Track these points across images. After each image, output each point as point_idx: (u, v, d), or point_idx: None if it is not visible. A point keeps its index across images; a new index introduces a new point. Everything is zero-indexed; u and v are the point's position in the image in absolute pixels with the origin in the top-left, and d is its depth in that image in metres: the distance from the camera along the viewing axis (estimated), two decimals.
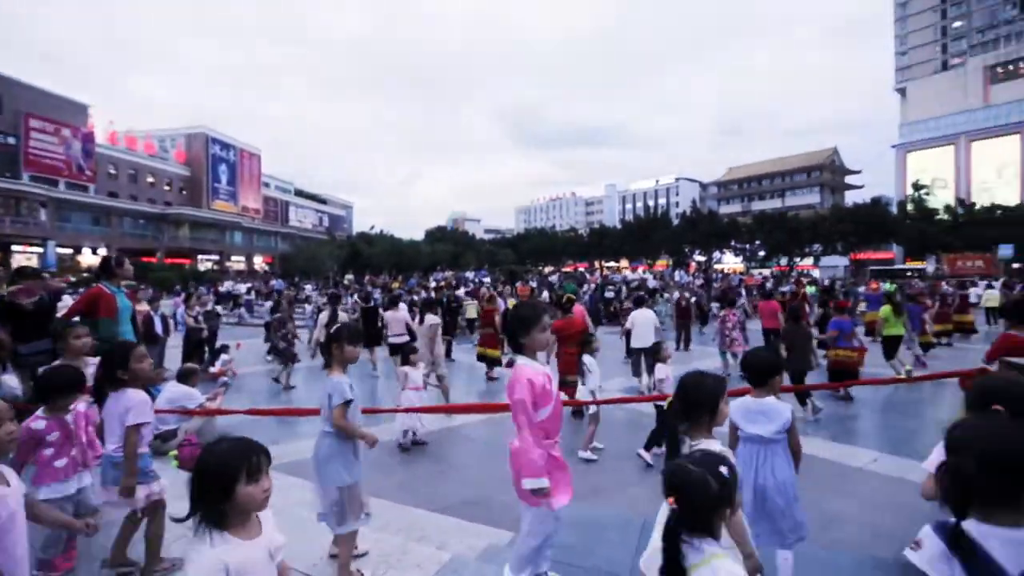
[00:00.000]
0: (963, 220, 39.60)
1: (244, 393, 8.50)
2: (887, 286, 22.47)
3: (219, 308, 20.74)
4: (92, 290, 4.90)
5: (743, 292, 18.33)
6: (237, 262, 54.46)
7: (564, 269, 49.32)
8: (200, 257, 50.14)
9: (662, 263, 52.59)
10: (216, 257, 52.23)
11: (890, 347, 8.68)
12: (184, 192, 53.65)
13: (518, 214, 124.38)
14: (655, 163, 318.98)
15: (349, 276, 34.12)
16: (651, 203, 78.24)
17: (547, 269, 49.94)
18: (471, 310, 13.98)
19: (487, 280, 24.19)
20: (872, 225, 41.33)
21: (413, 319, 8.98)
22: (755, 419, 2.63)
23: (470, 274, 32.54)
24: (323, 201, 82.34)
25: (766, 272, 41.95)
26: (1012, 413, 1.89)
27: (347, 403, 2.72)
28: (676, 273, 37.95)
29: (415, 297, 13.90)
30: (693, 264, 50.50)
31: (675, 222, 52.79)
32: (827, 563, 3.06)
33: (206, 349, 9.70)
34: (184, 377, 5.29)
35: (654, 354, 5.75)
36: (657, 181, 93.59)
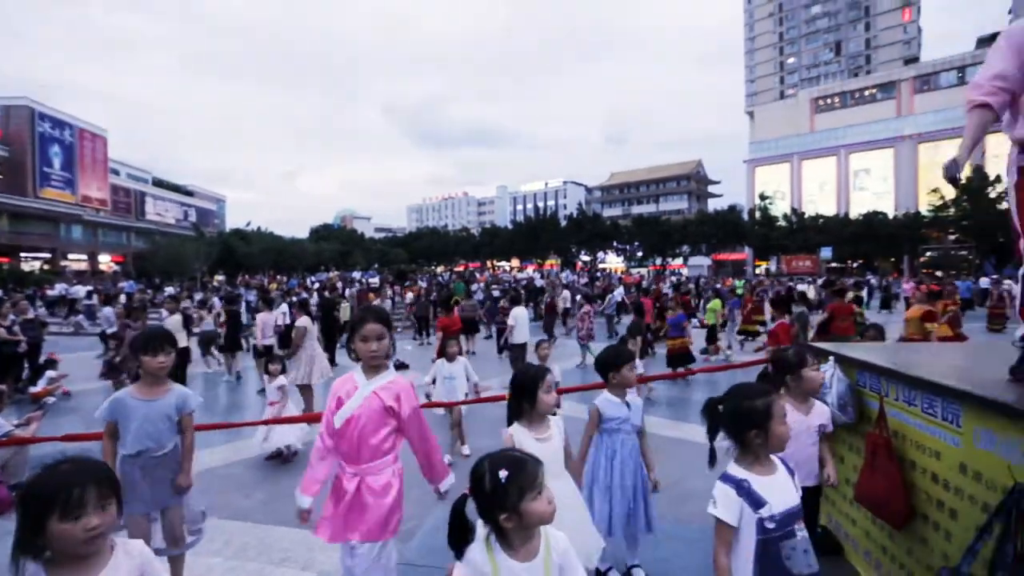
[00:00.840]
0: (796, 227, 46.52)
1: (79, 415, 7.30)
2: (738, 284, 25.72)
3: (48, 316, 17.62)
4: None
5: (620, 290, 19.59)
6: (77, 261, 46.61)
7: (456, 268, 49.34)
8: (24, 255, 42.12)
9: (551, 262, 54.82)
10: (47, 255, 44.24)
11: (711, 333, 10.70)
12: (1, 176, 44.62)
13: (410, 213, 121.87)
14: (545, 166, 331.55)
15: (220, 277, 30.86)
16: (540, 205, 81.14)
17: (439, 269, 49.60)
18: (345, 312, 13.30)
19: (375, 280, 23.33)
20: (728, 230, 47.06)
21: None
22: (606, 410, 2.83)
23: (357, 274, 31.15)
24: (189, 193, 73.57)
25: (643, 271, 45.65)
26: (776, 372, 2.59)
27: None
28: (563, 272, 39.81)
29: (293, 299, 12.95)
30: (580, 263, 53.35)
31: (563, 223, 55.30)
32: (675, 536, 3.38)
33: (25, 365, 8.17)
34: None
35: (535, 350, 5.87)
36: (546, 184, 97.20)
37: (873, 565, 2.73)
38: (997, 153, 46.06)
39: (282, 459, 5.20)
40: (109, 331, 8.25)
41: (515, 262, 59.33)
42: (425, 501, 4.36)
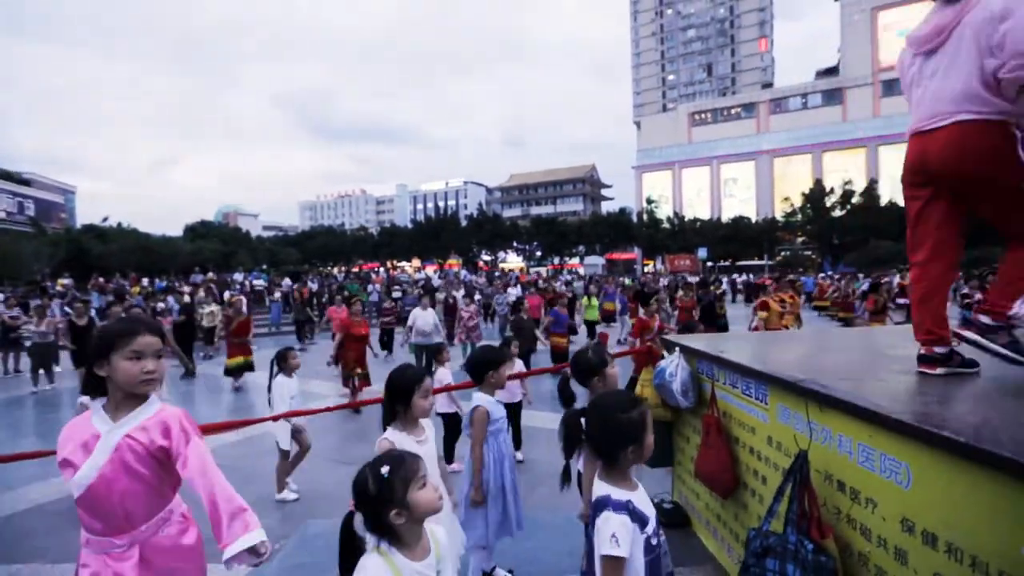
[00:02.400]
0: (678, 229, 50.99)
1: None
2: (627, 282, 27.57)
3: None
4: None
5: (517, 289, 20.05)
6: None
7: (354, 269, 47.33)
8: None
9: (453, 262, 54.69)
10: None
11: (591, 329, 11.62)
12: None
13: (303, 210, 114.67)
14: (445, 166, 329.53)
15: (66, 280, 26.60)
16: (441, 204, 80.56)
17: (335, 269, 47.24)
18: (208, 318, 12.20)
19: (260, 282, 21.62)
20: (619, 231, 50.31)
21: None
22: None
23: (239, 275, 28.58)
24: (26, 182, 62.50)
25: (541, 270, 47.18)
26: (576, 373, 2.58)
27: None
28: (463, 272, 39.91)
29: (159, 304, 11.58)
30: (481, 263, 53.83)
31: (464, 223, 55.41)
32: (531, 521, 3.55)
33: None
34: None
35: (435, 355, 5.66)
36: (447, 183, 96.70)
37: (711, 533, 3.09)
38: (834, 168, 54.26)
39: None
40: None
41: (415, 262, 58.33)
42: (304, 512, 4.30)
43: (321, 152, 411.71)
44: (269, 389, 4.50)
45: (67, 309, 10.24)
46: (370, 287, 20.00)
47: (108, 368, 1.58)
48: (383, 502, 1.35)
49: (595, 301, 11.78)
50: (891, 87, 55.89)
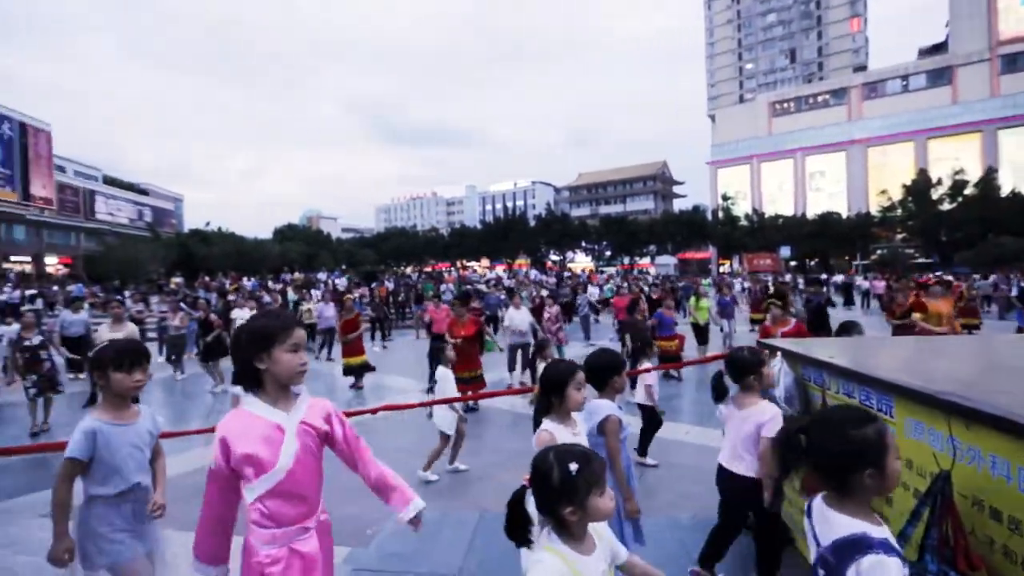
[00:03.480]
0: (757, 226, 48.14)
1: (11, 426, 6.93)
2: (704, 282, 26.42)
3: None
4: None
5: (588, 289, 19.79)
6: (20, 263, 44.03)
7: (426, 269, 48.95)
8: None
9: (521, 262, 55.06)
10: None
11: (698, 333, 10.54)
12: None
13: (379, 213, 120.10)
14: (513, 166, 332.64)
15: (178, 279, 29.67)
16: (509, 204, 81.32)
17: (408, 269, 49.10)
18: (307, 316, 12.93)
19: (341, 282, 22.90)
20: (693, 229, 48.30)
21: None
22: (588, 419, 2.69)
23: (322, 275, 30.49)
24: (144, 192, 70.48)
25: (611, 270, 46.35)
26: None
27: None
28: (532, 272, 40.04)
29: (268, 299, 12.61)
30: (549, 263, 53.77)
31: (532, 223, 55.58)
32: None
33: None
34: None
35: (539, 351, 5.59)
36: (515, 184, 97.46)
37: None
38: (941, 156, 48.89)
39: None
40: (31, 342, 6.68)
41: (484, 262, 59.27)
42: (379, 503, 4.41)
43: (394, 156, 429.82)
44: (431, 379, 4.99)
45: (183, 306, 11.36)
46: (443, 287, 20.59)
47: (268, 361, 1.63)
48: (562, 497, 1.36)
49: (704, 302, 10.76)
50: (1014, 62, 49.44)
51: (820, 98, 62.37)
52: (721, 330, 11.81)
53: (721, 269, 53.47)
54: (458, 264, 56.71)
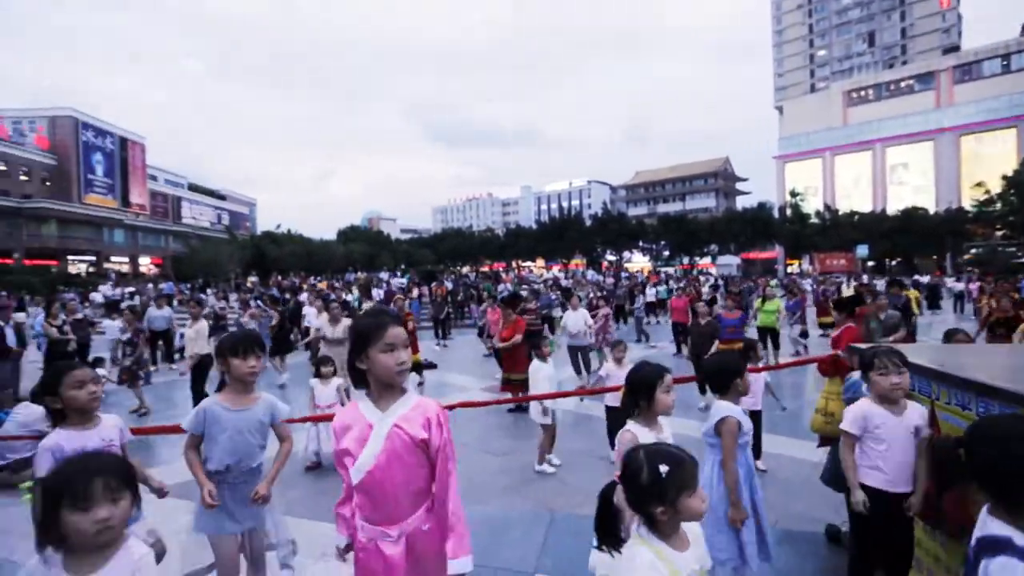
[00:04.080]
0: (830, 224, 45.16)
1: (122, 410, 7.62)
2: (771, 283, 25.08)
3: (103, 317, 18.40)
4: None
5: (653, 290, 19.24)
6: (119, 264, 48.62)
7: (482, 269, 49.57)
8: (71, 258, 44.15)
9: (577, 262, 54.58)
10: (92, 258, 46.27)
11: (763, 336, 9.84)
12: (49, 183, 46.84)
13: (435, 214, 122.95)
14: (568, 165, 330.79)
15: (253, 278, 31.73)
16: (564, 204, 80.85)
17: (465, 269, 49.92)
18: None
19: (402, 282, 23.61)
20: (758, 228, 45.98)
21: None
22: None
23: (384, 274, 31.62)
24: (222, 197, 76.01)
25: (670, 270, 45.04)
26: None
27: (187, 432, 2.28)
28: (589, 272, 39.60)
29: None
30: (606, 263, 52.97)
31: (588, 223, 54.98)
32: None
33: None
34: (38, 396, 4.61)
35: (612, 351, 5.50)
36: (570, 183, 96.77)
37: (926, 575, 2.65)
38: None
39: (321, 468, 5.08)
40: (123, 337, 7.78)
41: (540, 262, 59.27)
42: (465, 498, 4.49)
43: (450, 158, 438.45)
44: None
45: (259, 302, 12.13)
46: (500, 287, 20.77)
47: (367, 361, 1.65)
48: (652, 497, 1.39)
49: (773, 304, 9.91)
50: None
51: (903, 84, 57.64)
52: (790, 335, 11.19)
53: (789, 269, 50.62)
54: (514, 264, 57.03)
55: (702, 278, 29.90)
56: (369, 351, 1.64)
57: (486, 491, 4.49)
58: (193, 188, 69.55)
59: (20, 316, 10.85)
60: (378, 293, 17.78)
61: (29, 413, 4.45)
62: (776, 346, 9.91)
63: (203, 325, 7.56)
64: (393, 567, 1.61)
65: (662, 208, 75.49)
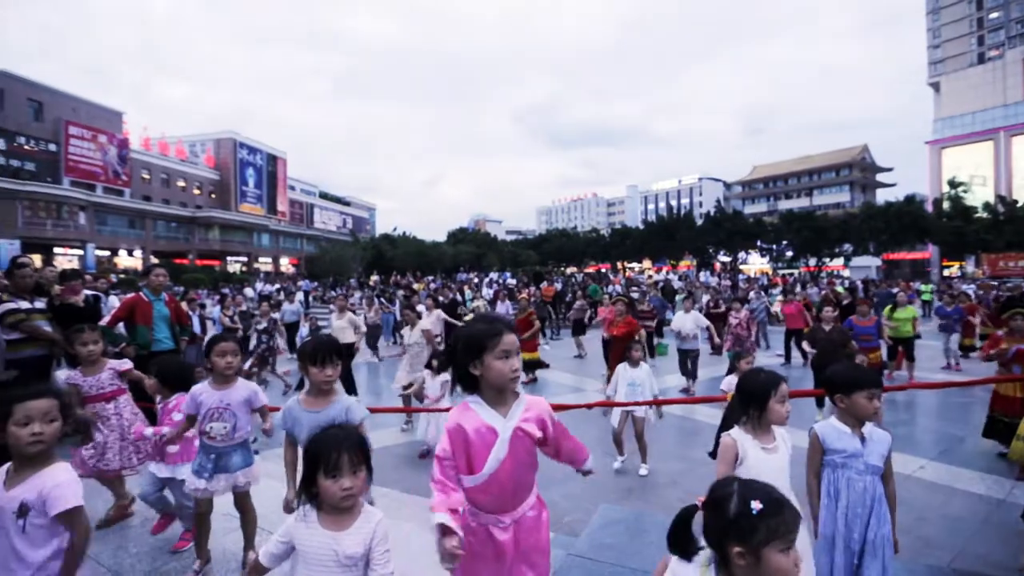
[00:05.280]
0: (1004, 219, 38.03)
1: (274, 390, 8.70)
2: (923, 288, 21.77)
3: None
4: (129, 298, 5.16)
5: (762, 293, 17.69)
6: (264, 264, 55.69)
7: (586, 270, 49.10)
8: (229, 259, 51.44)
9: (686, 263, 51.92)
10: (244, 259, 53.53)
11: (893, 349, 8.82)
12: (213, 195, 55.12)
13: (539, 215, 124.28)
14: (677, 163, 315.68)
15: (375, 277, 34.60)
16: (673, 203, 77.32)
17: (569, 270, 49.81)
18: (481, 311, 13.97)
19: (512, 281, 24.20)
20: (904, 224, 39.99)
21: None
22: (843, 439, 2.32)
23: (494, 275, 32.64)
24: (346, 203, 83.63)
25: (795, 272, 41.04)
26: None
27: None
28: (701, 274, 37.43)
29: (441, 298, 13.98)
30: (718, 264, 49.73)
31: (699, 222, 52.00)
32: None
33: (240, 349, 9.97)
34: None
35: (736, 360, 5.10)
36: (680, 181, 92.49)
37: None
38: None
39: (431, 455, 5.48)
40: (259, 326, 8.93)
41: (646, 263, 57.29)
42: (588, 495, 4.44)
43: (555, 159, 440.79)
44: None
45: (381, 300, 13.16)
46: (609, 288, 20.42)
47: (481, 367, 1.71)
48: (734, 534, 1.19)
49: (905, 312, 8.77)
50: None
51: None
52: (946, 347, 9.85)
53: (946, 272, 43.60)
54: (619, 265, 55.75)
55: (845, 281, 26.68)
56: (485, 357, 1.69)
57: (616, 497, 4.48)
58: (323, 196, 77.35)
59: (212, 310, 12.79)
60: (488, 292, 18.39)
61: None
62: (910, 358, 8.66)
63: (351, 316, 8.32)
64: (503, 551, 1.72)
65: (784, 204, 69.07)
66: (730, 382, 4.71)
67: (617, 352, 6.92)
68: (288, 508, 2.40)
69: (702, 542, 1.30)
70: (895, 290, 13.23)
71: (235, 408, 2.78)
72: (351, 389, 7.92)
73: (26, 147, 36.90)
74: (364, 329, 8.71)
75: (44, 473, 1.74)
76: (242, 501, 2.88)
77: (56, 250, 36.50)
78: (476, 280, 22.94)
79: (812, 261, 45.43)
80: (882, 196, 61.58)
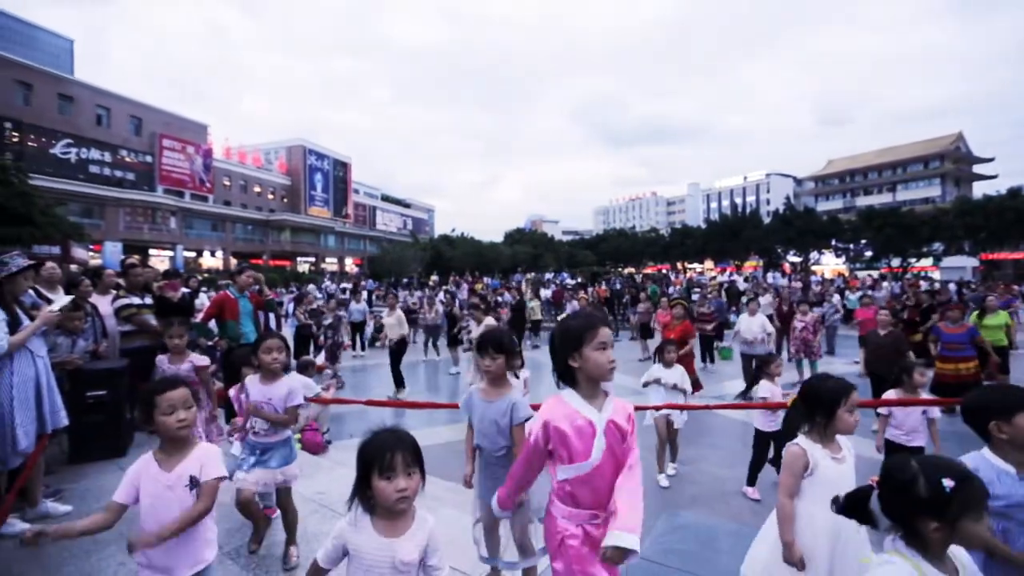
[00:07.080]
0: None
1: (349, 384, 9.13)
2: None
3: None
4: (218, 296, 5.61)
5: (836, 296, 16.49)
6: (331, 264, 58.58)
7: (645, 271, 47.94)
8: (299, 259, 54.53)
9: (751, 264, 49.50)
10: (312, 259, 56.55)
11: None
12: (285, 200, 58.60)
13: (596, 215, 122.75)
14: (741, 160, 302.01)
15: (435, 277, 35.52)
16: (738, 201, 73.97)
17: (627, 270, 48.82)
18: (537, 311, 14.15)
19: (569, 282, 24.06)
20: (1007, 220, 35.99)
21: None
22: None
23: (550, 275, 32.59)
24: (407, 205, 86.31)
25: (874, 274, 38.09)
26: None
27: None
28: (769, 275, 35.54)
29: (499, 299, 14.15)
30: (787, 265, 47.03)
31: (766, 220, 49.41)
32: None
33: (312, 344, 10.54)
34: (303, 369, 5.81)
35: (762, 366, 4.87)
36: (745, 178, 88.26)
37: None
38: None
39: None
40: (327, 322, 9.70)
41: (708, 264, 55.16)
42: (650, 500, 4.40)
43: (612, 159, 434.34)
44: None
45: (442, 298, 13.48)
46: (670, 289, 19.86)
47: (580, 359, 1.75)
48: (930, 512, 1.28)
49: (996, 319, 7.79)
50: None
51: None
52: None
53: None
54: (679, 266, 54.04)
55: (934, 283, 24.33)
56: (583, 350, 1.74)
57: (675, 497, 4.39)
58: (384, 199, 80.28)
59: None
60: (546, 293, 18.39)
61: (295, 381, 5.62)
62: (1004, 370, 7.67)
63: (400, 314, 8.86)
64: (598, 547, 1.71)
65: (862, 201, 64.31)
66: (768, 389, 4.43)
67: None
68: (467, 483, 2.63)
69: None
70: (992, 295, 11.94)
71: (276, 403, 2.91)
72: (399, 381, 8.29)
73: (127, 159, 40.84)
74: (406, 325, 9.10)
75: (198, 449, 1.99)
76: (283, 499, 2.97)
77: (151, 251, 40.18)
78: (529, 278, 22.94)
79: (895, 261, 41.97)
80: (979, 189, 55.88)
